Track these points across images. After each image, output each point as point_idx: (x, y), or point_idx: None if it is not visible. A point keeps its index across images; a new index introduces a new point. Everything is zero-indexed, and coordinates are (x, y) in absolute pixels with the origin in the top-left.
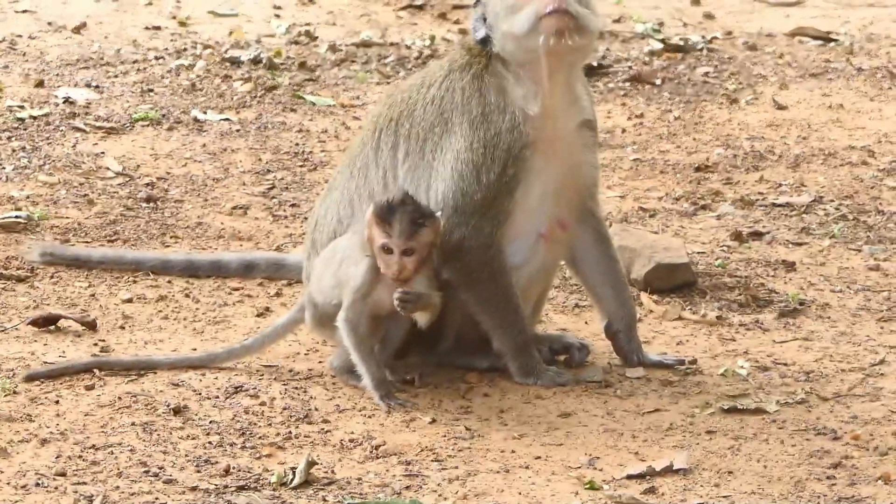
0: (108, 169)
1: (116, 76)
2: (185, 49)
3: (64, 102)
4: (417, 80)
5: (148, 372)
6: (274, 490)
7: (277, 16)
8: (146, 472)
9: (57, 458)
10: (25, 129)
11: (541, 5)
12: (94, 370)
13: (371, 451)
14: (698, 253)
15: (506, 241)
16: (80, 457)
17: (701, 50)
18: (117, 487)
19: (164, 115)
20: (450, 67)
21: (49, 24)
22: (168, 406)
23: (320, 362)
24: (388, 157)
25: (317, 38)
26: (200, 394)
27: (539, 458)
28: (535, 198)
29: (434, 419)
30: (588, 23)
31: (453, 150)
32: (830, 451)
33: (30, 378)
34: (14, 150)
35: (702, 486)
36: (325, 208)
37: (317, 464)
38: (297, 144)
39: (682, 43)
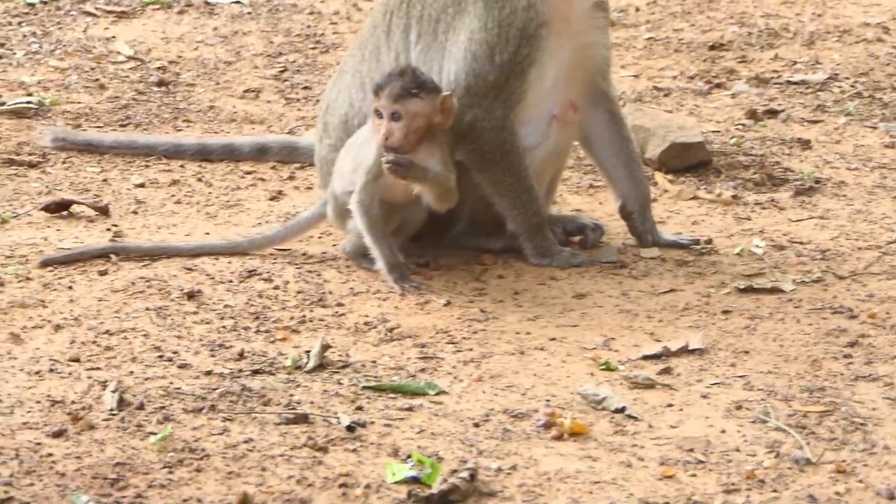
0: (119, 53)
1: None
2: None
3: None
4: None
5: (161, 257)
6: (288, 373)
7: None
8: (160, 356)
9: (71, 343)
10: (36, 14)
11: None
12: (110, 255)
13: (385, 334)
14: (713, 132)
15: (518, 122)
16: (93, 342)
17: None
18: (131, 372)
19: None
20: None
21: None
22: (182, 290)
23: (334, 245)
24: (400, 40)
25: None
26: (214, 278)
27: (554, 339)
28: (548, 79)
29: (449, 301)
30: None
31: (467, 31)
32: (847, 329)
33: (45, 263)
34: (25, 36)
35: (717, 365)
36: (336, 91)
37: (331, 347)
38: (308, 27)
39: None
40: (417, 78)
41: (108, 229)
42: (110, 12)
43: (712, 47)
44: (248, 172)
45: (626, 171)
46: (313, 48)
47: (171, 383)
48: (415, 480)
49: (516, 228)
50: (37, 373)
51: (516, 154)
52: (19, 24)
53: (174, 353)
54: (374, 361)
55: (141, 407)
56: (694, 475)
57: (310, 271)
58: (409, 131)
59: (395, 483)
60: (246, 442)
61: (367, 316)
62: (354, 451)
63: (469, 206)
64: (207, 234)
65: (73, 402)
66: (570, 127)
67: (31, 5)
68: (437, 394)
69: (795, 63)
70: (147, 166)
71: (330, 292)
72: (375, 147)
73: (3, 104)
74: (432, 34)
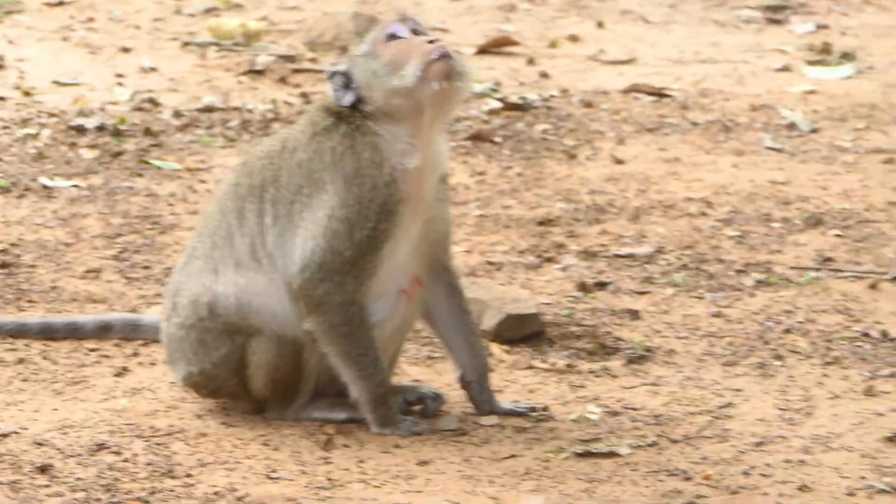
0: None
1: None
2: (30, 118)
3: None
4: (276, 146)
5: (10, 433)
6: None
7: (120, 84)
8: None
9: None
10: None
11: (425, 54)
12: None
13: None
14: (546, 304)
15: (369, 297)
16: None
17: (539, 108)
18: None
19: (13, 183)
20: (313, 131)
21: None
22: (33, 464)
23: (180, 419)
24: (255, 225)
25: (160, 104)
26: (64, 452)
27: None
28: (400, 254)
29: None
30: (465, 65)
31: (327, 208)
32: (683, 491)
33: None
34: None
35: None
36: (186, 276)
37: None
38: (145, 208)
39: (520, 101)
40: None
41: None
42: None
43: (541, 223)
44: (93, 350)
45: (465, 342)
46: (151, 229)
47: None
48: None
49: (360, 398)
50: None
51: (365, 327)
52: None
53: None
54: None
55: None
56: None
57: (158, 444)
58: None
59: None
60: None
61: (215, 486)
62: None
63: (312, 379)
64: (56, 409)
65: None
66: (415, 302)
67: None
68: None
69: (622, 237)
70: None
71: (179, 463)
72: None
73: None
74: (287, 216)
